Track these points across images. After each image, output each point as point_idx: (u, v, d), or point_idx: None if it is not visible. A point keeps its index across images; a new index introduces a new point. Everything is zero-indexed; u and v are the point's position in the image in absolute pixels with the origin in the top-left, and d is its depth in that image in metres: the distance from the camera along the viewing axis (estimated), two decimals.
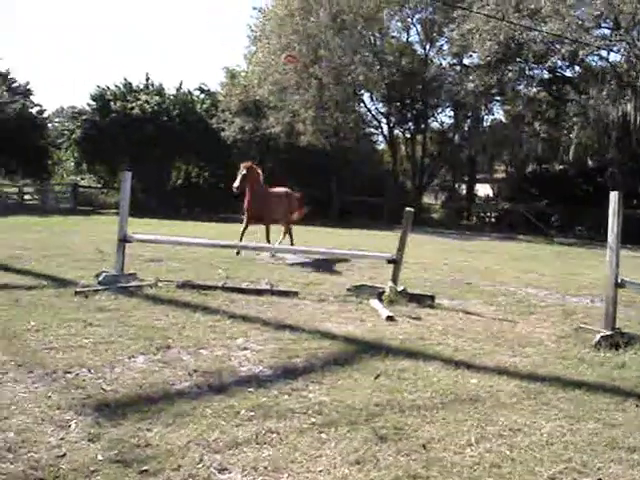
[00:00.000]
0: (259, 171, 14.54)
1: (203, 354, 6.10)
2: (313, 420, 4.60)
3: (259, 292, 9.40)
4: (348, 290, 9.82)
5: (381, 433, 4.40)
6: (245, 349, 6.38)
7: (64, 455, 3.84)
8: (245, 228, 14.10)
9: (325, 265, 13.11)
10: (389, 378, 5.63)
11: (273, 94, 33.94)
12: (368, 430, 4.43)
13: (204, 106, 38.98)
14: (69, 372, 5.30)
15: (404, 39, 36.98)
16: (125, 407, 4.60)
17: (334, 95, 33.10)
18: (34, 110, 37.93)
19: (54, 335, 6.41)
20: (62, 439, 4.04)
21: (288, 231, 15.48)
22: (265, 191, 14.68)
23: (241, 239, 13.53)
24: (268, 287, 9.81)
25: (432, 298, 9.53)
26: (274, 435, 4.31)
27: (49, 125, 42.18)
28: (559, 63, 31.46)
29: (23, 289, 8.75)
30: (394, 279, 9.70)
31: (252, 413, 4.64)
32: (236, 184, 13.99)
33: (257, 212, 14.19)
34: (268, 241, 14.08)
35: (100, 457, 3.82)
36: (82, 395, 4.78)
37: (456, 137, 38.80)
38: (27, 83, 39.07)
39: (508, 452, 4.22)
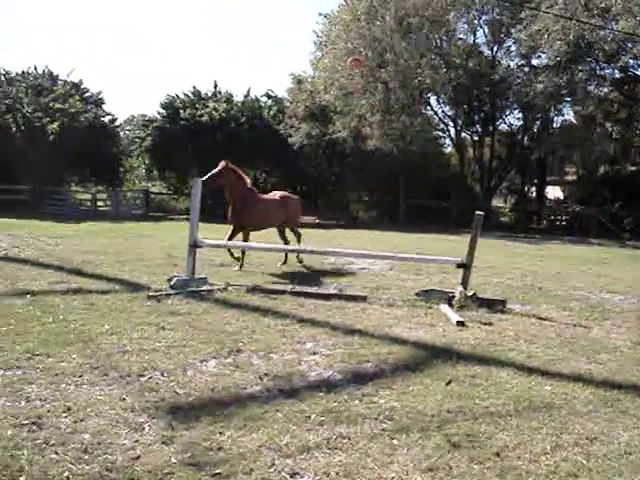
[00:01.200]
0: (239, 172, 13.04)
1: (273, 358, 6.13)
2: (384, 426, 4.57)
3: (327, 297, 9.40)
4: (417, 295, 9.75)
5: (454, 440, 4.35)
6: (314, 353, 6.38)
7: (138, 457, 3.91)
8: (230, 236, 12.57)
9: (392, 270, 13.05)
10: (461, 384, 5.55)
11: (339, 99, 34.01)
12: (440, 437, 4.39)
13: (271, 112, 39.31)
14: (143, 375, 5.39)
15: (471, 41, 36.51)
16: (198, 410, 4.66)
17: (400, 99, 32.93)
18: (106, 119, 38.75)
19: (128, 338, 6.54)
20: (136, 441, 4.11)
21: (298, 236, 14.44)
22: (247, 195, 12.93)
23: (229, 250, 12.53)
24: (336, 292, 9.81)
25: (503, 303, 9.38)
26: (345, 440, 4.30)
27: (121, 133, 43.11)
28: (631, 62, 30.60)
29: (97, 293, 8.96)
30: (464, 283, 9.58)
31: (323, 418, 4.63)
32: (203, 178, 11.69)
33: (236, 218, 12.73)
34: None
35: (174, 460, 3.87)
36: (155, 398, 4.86)
37: (525, 139, 38.06)
38: (99, 93, 39.92)
39: (585, 461, 4.12)
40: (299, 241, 14.35)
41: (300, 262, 13.42)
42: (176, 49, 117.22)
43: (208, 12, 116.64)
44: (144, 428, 4.30)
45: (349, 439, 4.32)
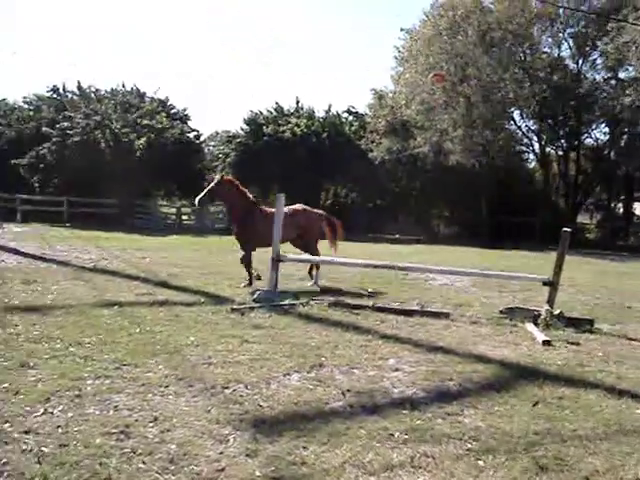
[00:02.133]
0: (238, 186, 12.40)
1: (355, 374, 6.11)
2: (469, 446, 4.48)
3: (409, 313, 9.32)
4: (501, 312, 9.57)
5: (541, 463, 4.23)
6: (397, 370, 6.33)
7: (223, 469, 3.94)
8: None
9: (475, 286, 12.86)
10: (548, 406, 5.40)
11: (421, 114, 33.88)
12: (527, 459, 4.27)
13: (352, 128, 39.49)
14: (227, 387, 5.45)
15: (555, 54, 35.80)
16: (281, 424, 4.67)
17: (483, 113, 32.56)
18: (191, 135, 39.61)
19: (212, 351, 6.63)
20: (221, 453, 4.14)
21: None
22: (248, 209, 12.28)
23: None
24: (418, 308, 9.71)
25: (591, 322, 9.10)
26: (429, 460, 4.23)
27: (205, 149, 43.96)
28: None
29: (183, 305, 9.13)
30: (550, 302, 9.35)
31: (406, 436, 4.58)
32: (199, 197, 12.16)
33: (237, 233, 12.41)
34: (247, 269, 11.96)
35: (258, 473, 3.89)
36: (240, 410, 4.89)
37: (612, 153, 37.01)
38: (184, 109, 40.87)
39: None
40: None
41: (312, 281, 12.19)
42: (176, 49, 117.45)
43: (208, 12, 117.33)
44: (229, 440, 4.34)
45: (434, 458, 4.25)
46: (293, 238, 12.53)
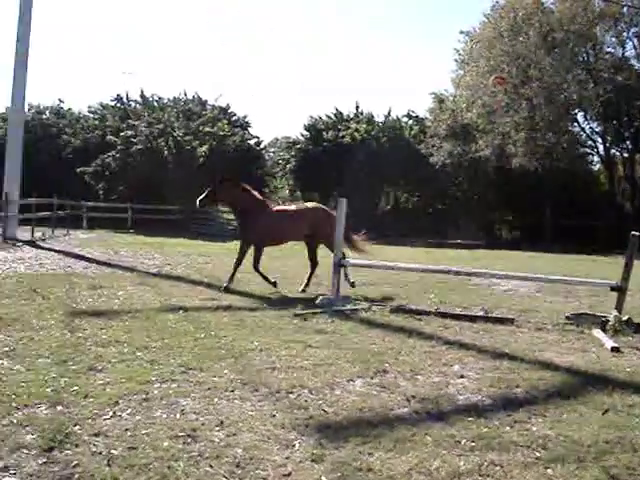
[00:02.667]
0: (241, 185, 12.27)
1: (420, 380, 6.05)
2: (538, 454, 4.38)
3: (473, 318, 9.20)
4: (567, 318, 9.38)
5: (612, 472, 4.11)
6: (462, 377, 6.24)
7: (289, 474, 3.94)
8: (253, 256, 12.03)
9: (540, 292, 12.64)
10: (618, 414, 5.26)
11: (482, 117, 33.59)
12: (598, 469, 4.16)
13: (412, 132, 39.34)
14: (292, 392, 5.46)
15: (619, 54, 35.11)
16: (346, 430, 4.66)
17: (546, 115, 32.13)
18: (252, 141, 40.06)
19: (276, 355, 6.66)
20: (287, 458, 4.14)
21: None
22: (251, 208, 12.09)
23: (256, 269, 11.91)
24: (482, 313, 9.59)
25: None
26: (497, 468, 4.15)
27: (265, 155, 44.36)
28: None
29: (246, 310, 9.23)
30: (618, 307, 9.13)
31: (473, 443, 4.51)
32: (199, 198, 12.20)
33: (241, 234, 12.50)
34: (255, 267, 11.94)
35: (324, 479, 3.88)
36: (305, 415, 4.90)
37: None
38: (245, 116, 41.37)
39: None
40: (312, 267, 12.45)
41: (352, 286, 11.79)
42: (176, 49, 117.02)
43: (208, 12, 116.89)
44: (294, 445, 4.34)
45: (501, 467, 4.17)
46: (300, 238, 12.56)
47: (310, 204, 12.79)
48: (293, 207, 12.96)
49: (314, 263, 12.40)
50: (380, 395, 5.51)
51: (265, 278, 11.78)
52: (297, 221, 12.27)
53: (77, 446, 4.20)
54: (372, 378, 6.02)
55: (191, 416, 4.83)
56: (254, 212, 12.04)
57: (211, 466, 3.98)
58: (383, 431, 4.65)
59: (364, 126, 38.22)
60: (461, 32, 37.16)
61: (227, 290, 11.15)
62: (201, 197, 12.21)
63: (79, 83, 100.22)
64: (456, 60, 37.98)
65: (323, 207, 12.86)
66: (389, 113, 40.83)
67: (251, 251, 12.11)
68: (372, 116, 40.77)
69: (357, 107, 41.03)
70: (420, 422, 4.91)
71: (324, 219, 12.21)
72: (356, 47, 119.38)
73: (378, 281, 12.83)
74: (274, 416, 4.86)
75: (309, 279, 11.99)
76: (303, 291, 11.59)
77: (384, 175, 36.59)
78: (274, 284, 11.64)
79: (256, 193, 12.45)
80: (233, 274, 11.69)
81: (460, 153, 35.87)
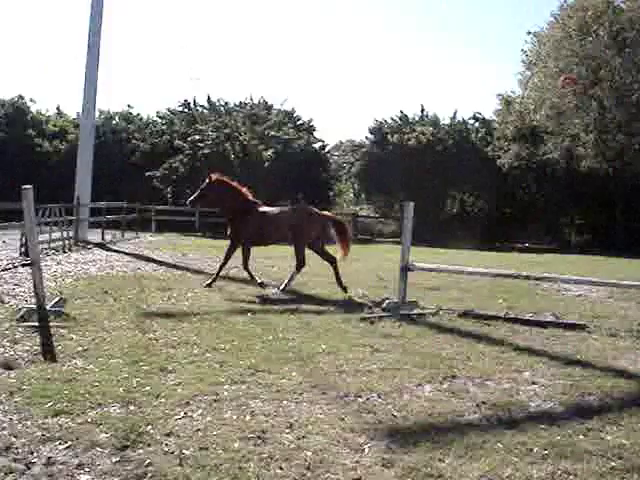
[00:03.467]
0: (231, 184, 12.42)
1: (490, 386, 5.96)
2: (613, 464, 4.27)
3: (543, 324, 9.02)
4: None
5: None
6: (533, 383, 6.12)
7: (360, 479, 3.93)
8: (242, 256, 12.18)
9: (612, 297, 12.31)
10: None
11: (551, 119, 32.98)
12: None
13: (479, 135, 38.90)
14: (360, 396, 5.45)
15: None
16: (416, 435, 4.62)
17: (617, 117, 31.34)
18: (317, 145, 40.23)
19: (344, 359, 6.66)
20: (357, 462, 4.13)
21: (327, 259, 12.30)
22: (241, 208, 12.18)
23: (245, 268, 12.14)
24: (553, 319, 9.40)
25: None
26: (571, 477, 4.07)
27: (330, 159, 44.43)
28: None
29: (313, 313, 9.24)
30: None
31: (546, 452, 4.42)
32: (190, 198, 12.58)
33: (231, 233, 12.34)
34: (244, 266, 12.18)
35: None
36: (374, 420, 4.88)
37: None
38: (310, 120, 41.56)
39: None
40: (333, 265, 12.01)
41: (345, 290, 11.50)
42: (242, 54, 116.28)
43: (272, 16, 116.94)
44: (364, 449, 4.32)
45: (575, 476, 4.07)
46: (287, 238, 12.45)
47: (299, 205, 12.47)
48: (277, 209, 12.78)
49: (331, 261, 12.13)
50: (450, 401, 5.45)
51: (252, 278, 11.99)
52: (280, 222, 12.20)
53: (149, 445, 4.28)
54: (441, 383, 5.96)
55: (261, 418, 4.86)
56: (243, 212, 12.16)
57: (281, 468, 4.00)
58: (453, 437, 4.60)
59: (430, 129, 37.97)
60: (528, 33, 36.52)
61: (209, 286, 11.51)
62: (192, 197, 12.56)
63: (147, 89, 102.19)
64: (523, 61, 37.32)
65: (307, 208, 12.74)
66: (455, 115, 40.54)
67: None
68: (437, 119, 40.50)
69: (422, 110, 40.84)
70: (491, 429, 4.84)
71: (306, 219, 12.20)
72: (420, 49, 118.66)
73: (444, 285, 12.68)
74: (343, 419, 4.86)
75: (339, 279, 11.73)
76: (345, 291, 11.43)
77: (450, 178, 36.29)
78: (261, 285, 11.76)
79: (248, 193, 12.52)
80: (218, 273, 11.97)
81: (528, 155, 35.32)
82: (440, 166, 35.28)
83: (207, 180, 12.40)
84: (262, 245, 12.74)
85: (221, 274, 12.11)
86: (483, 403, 5.40)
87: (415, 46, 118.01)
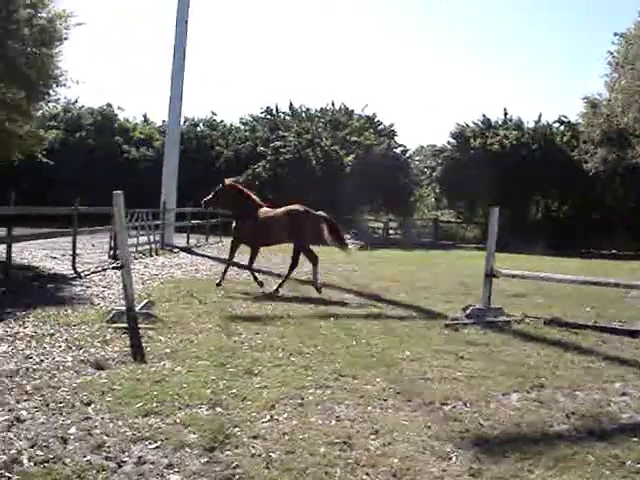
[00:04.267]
0: (241, 189, 13.14)
1: (579, 396, 5.81)
2: None
3: (634, 333, 8.74)
4: None
5: None
6: (624, 394, 5.94)
7: None
8: (250, 256, 12.88)
9: None
10: None
11: (639, 122, 31.91)
12: None
13: (564, 138, 38.00)
14: (446, 404, 5.39)
15: None
16: (504, 445, 4.54)
17: None
18: (398, 150, 40.09)
19: (428, 366, 6.61)
20: (444, 471, 4.08)
21: (310, 258, 12.48)
22: (247, 211, 12.73)
23: (249, 267, 12.87)
24: None
25: None
26: None
27: (411, 164, 44.18)
28: None
29: (396, 319, 9.23)
30: None
31: (639, 465, 4.28)
32: (205, 199, 13.39)
33: (236, 234, 13.08)
34: (249, 265, 12.86)
35: None
36: (460, 428, 4.81)
37: None
38: (391, 125, 41.46)
39: None
40: (314, 264, 12.21)
41: (318, 290, 11.80)
42: (323, 61, 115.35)
43: (348, 23, 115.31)
44: (451, 458, 4.27)
45: None
46: (285, 240, 12.94)
47: (294, 206, 12.85)
48: (276, 210, 12.94)
49: (313, 261, 12.32)
50: (538, 411, 5.34)
51: (255, 278, 12.39)
52: (276, 223, 12.51)
53: (237, 447, 4.34)
54: (528, 393, 5.84)
55: (346, 423, 4.86)
56: (247, 215, 12.72)
57: (368, 474, 3.99)
58: (542, 448, 4.50)
59: (513, 133, 37.33)
60: (615, 34, 35.45)
61: (219, 285, 12.08)
62: (206, 199, 13.36)
63: (231, 96, 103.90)
64: (610, 63, 36.17)
65: (302, 209, 12.81)
66: (539, 119, 39.67)
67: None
68: (521, 122, 39.75)
69: (505, 113, 40.18)
70: (581, 440, 4.71)
71: (303, 220, 12.46)
72: (502, 51, 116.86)
73: (529, 292, 12.44)
74: (429, 427, 4.81)
75: (315, 279, 12.05)
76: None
77: (534, 183, 35.56)
78: (260, 284, 12.12)
79: (256, 198, 13.13)
80: (224, 272, 12.59)
81: (615, 159, 34.31)
82: (524, 170, 34.60)
83: (221, 184, 13.14)
84: (265, 246, 13.40)
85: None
86: (572, 414, 5.26)
87: (497, 49, 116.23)
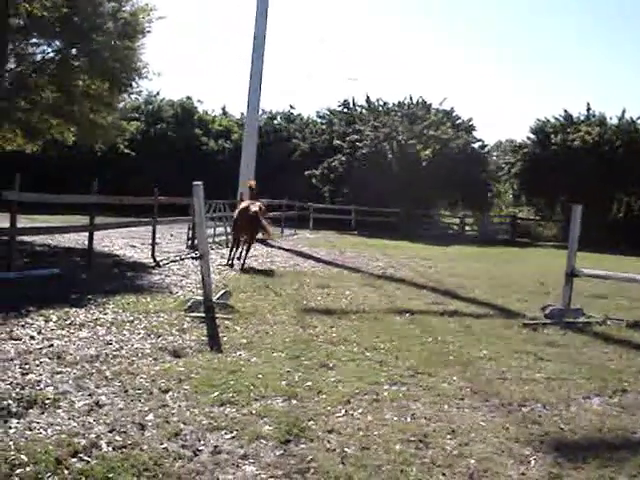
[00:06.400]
0: (252, 187, 15.52)
1: None
2: None
3: None
4: None
5: None
6: None
7: None
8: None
9: None
10: None
11: None
12: None
13: None
14: (524, 405, 5.27)
15: None
16: (585, 450, 4.40)
17: None
18: (476, 145, 39.46)
19: (506, 366, 6.47)
20: (523, 474, 3.98)
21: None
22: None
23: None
24: None
25: None
26: None
27: (489, 159, 43.44)
28: None
29: (472, 317, 9.08)
30: None
31: None
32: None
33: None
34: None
35: None
36: (539, 431, 4.69)
37: None
38: (470, 119, 40.78)
39: None
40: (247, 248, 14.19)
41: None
42: (402, 55, 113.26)
43: (429, 17, 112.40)
44: (530, 462, 4.16)
45: None
46: (256, 230, 14.33)
47: (247, 201, 14.70)
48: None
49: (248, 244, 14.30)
50: (620, 416, 5.16)
51: (230, 260, 14.14)
52: (238, 216, 14.34)
53: (312, 441, 4.33)
54: (610, 397, 5.66)
55: (421, 421, 4.80)
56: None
57: (444, 474, 3.93)
58: (625, 455, 4.35)
59: (596, 129, 36.22)
60: None
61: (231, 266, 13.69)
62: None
63: (309, 89, 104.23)
64: None
65: (250, 203, 14.32)
66: (623, 115, 38.36)
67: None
68: (604, 118, 38.54)
69: (588, 109, 38.95)
70: None
71: (246, 212, 13.95)
72: (585, 46, 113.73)
73: (611, 293, 12.08)
74: (507, 429, 4.71)
75: (245, 258, 13.90)
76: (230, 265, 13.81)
77: (617, 181, 34.48)
78: (230, 265, 13.81)
79: (254, 196, 15.15)
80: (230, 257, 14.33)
81: None
82: (606, 168, 33.53)
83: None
84: (243, 237, 14.46)
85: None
86: None
87: (580, 43, 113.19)
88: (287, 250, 18.88)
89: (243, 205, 14.43)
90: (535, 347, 7.33)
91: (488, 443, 4.43)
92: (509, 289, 12.15)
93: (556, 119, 38.51)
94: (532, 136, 38.17)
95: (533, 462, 4.17)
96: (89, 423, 4.41)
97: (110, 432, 4.27)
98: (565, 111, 38.60)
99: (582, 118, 38.48)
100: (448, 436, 4.53)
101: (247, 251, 14.11)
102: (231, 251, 14.40)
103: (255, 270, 13.47)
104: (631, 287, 12.20)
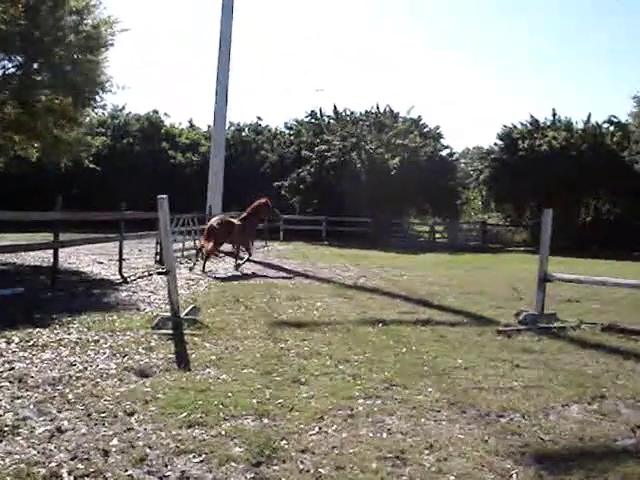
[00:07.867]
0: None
1: None
2: None
3: None
4: None
5: None
6: None
7: None
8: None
9: None
10: None
11: None
12: None
13: (614, 139, 37.06)
14: (502, 416, 5.13)
15: None
16: (567, 461, 4.28)
17: None
18: (444, 152, 39.57)
19: (482, 375, 6.34)
20: None
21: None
22: None
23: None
24: None
25: None
26: None
27: (457, 166, 43.56)
28: None
29: (446, 325, 8.95)
30: None
31: None
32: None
33: None
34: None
35: None
36: (519, 442, 4.55)
37: None
38: (437, 127, 40.90)
39: None
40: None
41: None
42: (367, 63, 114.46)
43: (396, 23, 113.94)
44: (511, 475, 4.01)
45: None
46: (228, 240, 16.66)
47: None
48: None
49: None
50: (600, 423, 5.05)
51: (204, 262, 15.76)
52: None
53: (284, 462, 4.15)
54: (589, 404, 5.54)
55: (398, 436, 4.64)
56: None
57: None
58: (608, 464, 4.23)
59: (563, 134, 36.49)
60: None
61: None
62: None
63: (275, 101, 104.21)
64: None
65: (216, 217, 17.29)
66: (588, 119, 38.67)
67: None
68: (570, 123, 38.85)
69: (554, 114, 39.25)
70: None
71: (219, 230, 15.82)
72: (550, 50, 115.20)
73: (583, 297, 12.06)
74: (486, 441, 4.56)
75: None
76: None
77: (584, 185, 34.75)
78: (190, 269, 15.70)
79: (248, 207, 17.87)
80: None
81: None
82: (573, 172, 33.78)
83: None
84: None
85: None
86: (638, 427, 4.96)
87: (544, 48, 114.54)
88: (258, 262, 18.66)
89: (212, 219, 16.37)
90: (511, 354, 7.21)
91: (467, 457, 4.28)
92: (482, 296, 12.07)
93: (523, 125, 38.77)
94: (499, 142, 38.39)
95: (515, 476, 4.02)
96: (50, 450, 4.20)
97: (72, 460, 4.06)
98: (531, 116, 38.91)
99: (548, 123, 38.79)
100: (426, 451, 4.37)
101: (206, 260, 15.86)
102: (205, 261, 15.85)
103: (225, 283, 13.24)
104: (602, 290, 12.18)
